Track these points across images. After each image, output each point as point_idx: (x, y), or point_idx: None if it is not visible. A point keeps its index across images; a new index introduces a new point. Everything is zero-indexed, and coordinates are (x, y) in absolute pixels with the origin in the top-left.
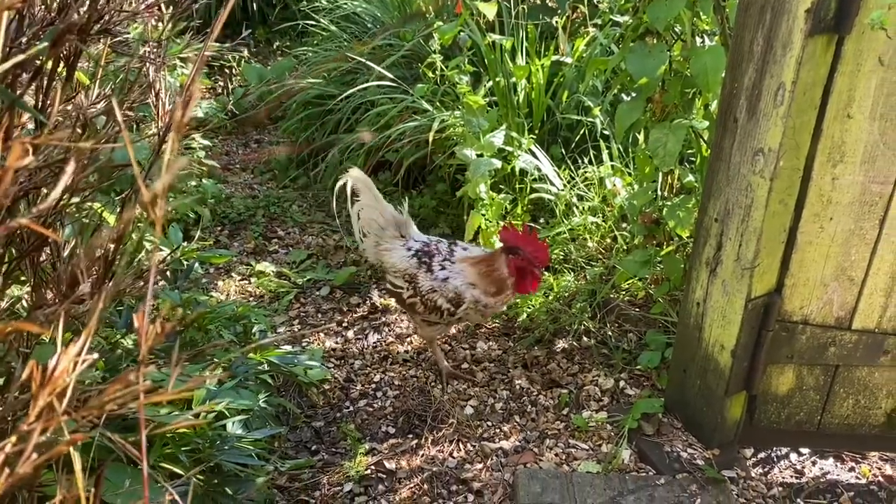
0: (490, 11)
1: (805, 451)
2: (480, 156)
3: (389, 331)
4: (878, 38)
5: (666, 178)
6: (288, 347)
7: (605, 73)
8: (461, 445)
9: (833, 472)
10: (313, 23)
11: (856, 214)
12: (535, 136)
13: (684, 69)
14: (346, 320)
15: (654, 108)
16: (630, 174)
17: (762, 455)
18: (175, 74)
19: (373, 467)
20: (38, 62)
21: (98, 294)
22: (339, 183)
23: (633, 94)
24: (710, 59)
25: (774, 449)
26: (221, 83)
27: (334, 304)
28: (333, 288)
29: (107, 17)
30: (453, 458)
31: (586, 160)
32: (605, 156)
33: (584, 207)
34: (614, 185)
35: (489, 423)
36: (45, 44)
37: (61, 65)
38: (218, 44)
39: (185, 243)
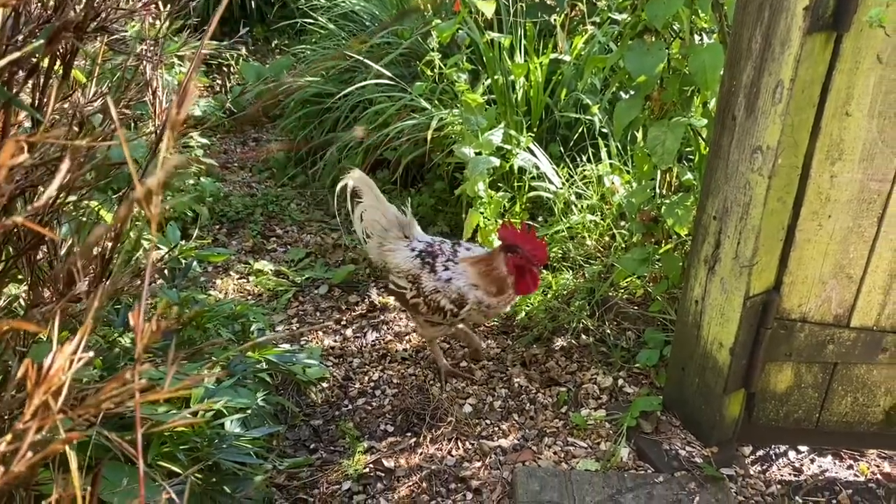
0: (488, 9)
1: (803, 448)
2: (479, 154)
3: (388, 329)
4: (876, 36)
5: (664, 176)
6: (286, 346)
7: (604, 70)
8: (460, 444)
9: (831, 470)
10: (311, 21)
11: (854, 212)
12: (533, 134)
13: (683, 67)
14: (344, 319)
15: (653, 106)
16: (628, 172)
17: (761, 453)
18: (173, 73)
19: (371, 466)
20: (35, 60)
21: (94, 292)
22: (340, 184)
23: (632, 92)
24: (708, 57)
25: (773, 447)
26: (219, 81)
27: (333, 303)
28: (332, 286)
29: (103, 15)
30: (452, 456)
31: (585, 158)
32: (603, 154)
33: (582, 205)
34: (613, 183)
35: (488, 422)
36: (41, 41)
37: (58, 63)
38: (216, 42)
39: (183, 242)
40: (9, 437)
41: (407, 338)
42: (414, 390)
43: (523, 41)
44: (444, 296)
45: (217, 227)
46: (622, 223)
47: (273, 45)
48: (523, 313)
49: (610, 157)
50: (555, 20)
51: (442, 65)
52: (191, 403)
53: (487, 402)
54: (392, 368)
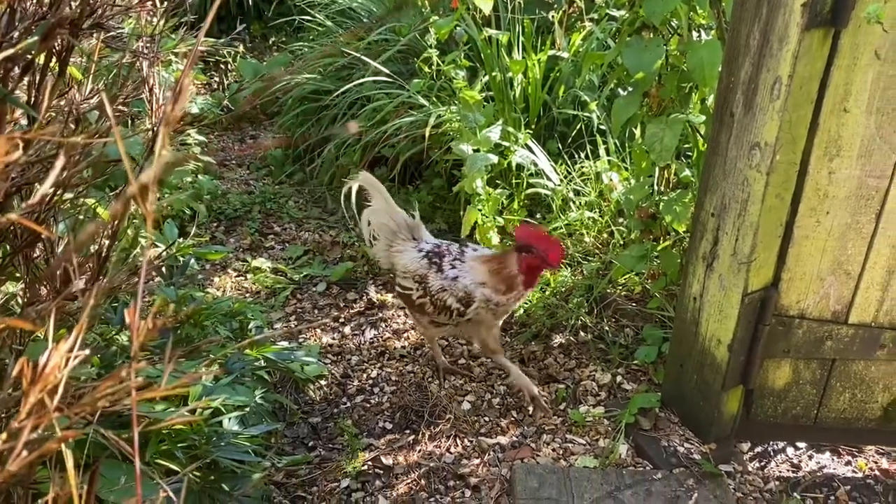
0: (486, 6)
1: (802, 445)
2: (477, 151)
3: (386, 326)
4: (874, 32)
5: (662, 173)
6: (285, 343)
7: (602, 67)
8: (458, 441)
9: (830, 467)
10: (309, 18)
11: (852, 209)
12: (531, 131)
13: (681, 64)
14: (342, 316)
15: (651, 103)
16: (627, 169)
17: (759, 449)
18: (170, 70)
19: (370, 463)
20: (30, 57)
21: (90, 290)
22: (347, 186)
23: (630, 89)
24: (706, 54)
25: (771, 443)
26: (217, 79)
27: (331, 300)
28: (330, 284)
29: (99, 12)
30: (450, 453)
31: (583, 155)
32: (601, 151)
33: (580, 202)
34: (611, 179)
35: (486, 419)
36: (36, 38)
37: (54, 60)
38: (213, 39)
39: (180, 239)
40: (4, 435)
41: (405, 335)
42: (412, 388)
43: (521, 38)
44: (451, 294)
45: (215, 224)
46: (620, 220)
47: (270, 42)
48: (521, 310)
49: (608, 154)
50: (553, 17)
51: (440, 62)
52: (189, 401)
53: (486, 400)
54: (390, 366)
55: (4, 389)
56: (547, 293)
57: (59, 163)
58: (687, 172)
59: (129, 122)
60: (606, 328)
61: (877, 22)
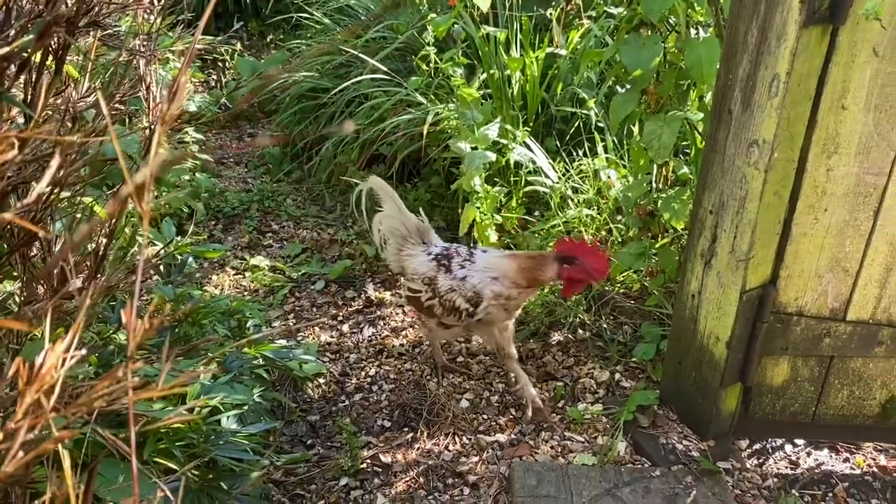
0: (484, 3)
1: (800, 442)
2: (475, 149)
3: (385, 324)
4: (872, 29)
5: (661, 171)
6: (283, 342)
7: (600, 65)
8: (457, 438)
9: (828, 463)
10: (307, 15)
11: (850, 206)
12: (529, 129)
13: (679, 61)
14: (341, 314)
15: (649, 100)
16: (625, 166)
17: (757, 446)
18: (167, 68)
19: (368, 461)
20: (26, 55)
21: (87, 289)
22: (357, 189)
23: (628, 86)
24: (704, 51)
25: (769, 440)
26: (215, 77)
27: (329, 298)
28: (328, 282)
29: (95, 10)
30: (449, 451)
31: (581, 152)
32: (599, 148)
33: (578, 200)
34: (609, 177)
35: (485, 416)
36: (32, 36)
37: (50, 58)
38: (211, 37)
39: (178, 238)
40: (0, 436)
41: (403, 333)
42: (411, 385)
43: (519, 35)
44: (460, 294)
45: (213, 222)
46: (618, 217)
47: (268, 39)
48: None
49: (606, 152)
50: (551, 14)
51: (438, 59)
52: (187, 400)
53: (484, 398)
54: (389, 364)
55: (1, 389)
56: (545, 290)
57: (56, 162)
58: (685, 170)
59: (127, 120)
60: (605, 326)
61: (875, 19)
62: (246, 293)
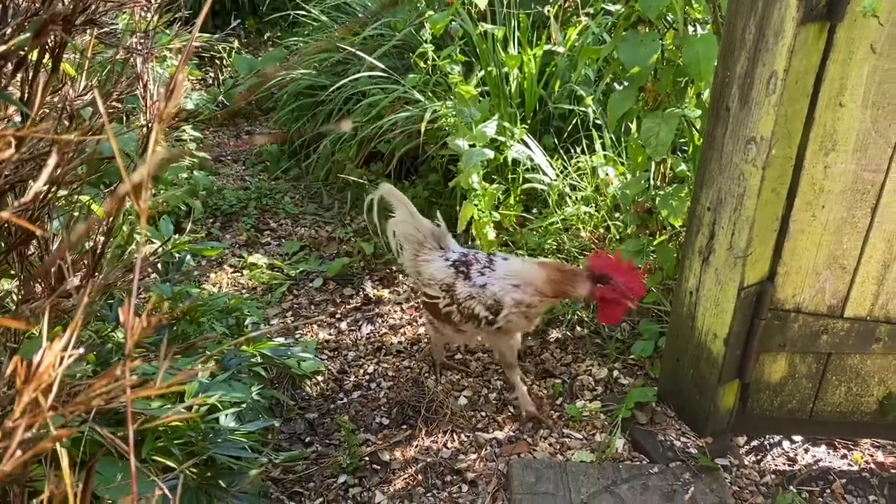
0: (482, 0)
1: (797, 438)
2: (473, 146)
3: (383, 322)
4: (869, 26)
5: (658, 168)
6: (281, 339)
7: (598, 62)
8: (455, 436)
9: (825, 460)
10: (304, 13)
11: (848, 203)
12: (527, 126)
13: (676, 58)
14: (339, 312)
15: (647, 98)
16: (622, 164)
17: (755, 443)
18: (165, 66)
19: (367, 458)
20: (23, 53)
21: (85, 287)
22: (369, 198)
23: (626, 84)
24: (702, 48)
25: (767, 437)
26: (212, 74)
27: (327, 296)
28: (326, 279)
29: (92, 7)
30: (447, 448)
31: (579, 150)
32: (597, 145)
33: (576, 197)
34: (607, 174)
35: (483, 414)
36: (29, 34)
37: (47, 56)
38: (208, 35)
39: (176, 236)
40: None
41: (402, 330)
42: (409, 383)
43: (517, 32)
44: (479, 302)
45: (211, 220)
46: (616, 215)
47: (265, 37)
48: None
49: (604, 149)
50: (548, 11)
51: (435, 57)
52: (185, 398)
53: (483, 395)
54: (387, 361)
55: None
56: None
57: (53, 160)
58: (683, 167)
59: (125, 118)
60: (603, 323)
61: (872, 16)
62: (244, 291)
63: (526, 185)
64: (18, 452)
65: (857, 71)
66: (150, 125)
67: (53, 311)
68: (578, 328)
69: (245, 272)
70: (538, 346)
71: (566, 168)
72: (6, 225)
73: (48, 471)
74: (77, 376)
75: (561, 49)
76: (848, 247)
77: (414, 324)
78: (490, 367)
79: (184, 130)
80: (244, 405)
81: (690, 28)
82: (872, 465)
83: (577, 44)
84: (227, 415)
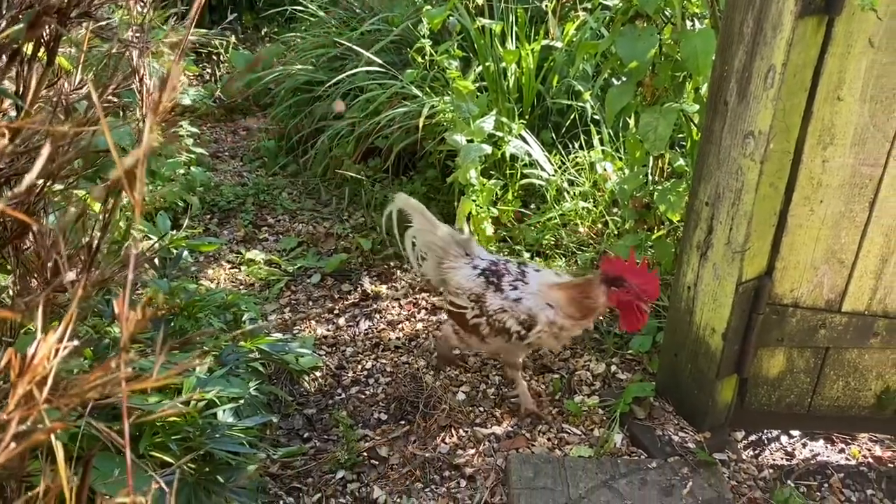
0: None
1: (795, 433)
2: (471, 141)
3: (381, 318)
4: (868, 20)
5: (657, 163)
6: (279, 335)
7: (595, 57)
8: (453, 431)
9: (823, 454)
10: (301, 8)
11: (846, 197)
12: (525, 122)
13: (674, 52)
14: (337, 307)
15: (645, 92)
16: (621, 159)
17: (753, 438)
18: (162, 61)
19: (365, 454)
20: (16, 46)
21: (79, 281)
22: (387, 211)
23: (624, 79)
24: (700, 42)
25: (765, 431)
26: (209, 70)
27: (325, 292)
28: (324, 275)
29: (87, 0)
30: (445, 443)
31: (577, 145)
32: (595, 141)
33: (574, 192)
34: (605, 169)
35: (481, 409)
36: (22, 26)
37: (42, 50)
38: (205, 30)
39: (173, 232)
40: None
41: (400, 326)
42: (407, 378)
43: (515, 27)
44: (512, 316)
45: (208, 216)
46: (615, 210)
47: (262, 32)
48: None
49: (602, 144)
50: (546, 6)
51: (433, 52)
52: (182, 394)
53: (481, 390)
54: (385, 357)
55: None
56: None
57: (46, 150)
58: (681, 162)
59: (121, 112)
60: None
61: (871, 9)
62: (242, 287)
63: (524, 181)
64: (13, 445)
65: (856, 65)
66: (145, 118)
67: (50, 307)
68: None
69: (243, 268)
70: None
71: (564, 163)
72: (1, 218)
73: (44, 465)
74: (75, 371)
75: (559, 44)
76: (846, 241)
77: (412, 319)
78: (488, 362)
79: (181, 126)
80: (242, 401)
81: (688, 22)
82: (870, 460)
83: (575, 39)
84: (224, 410)
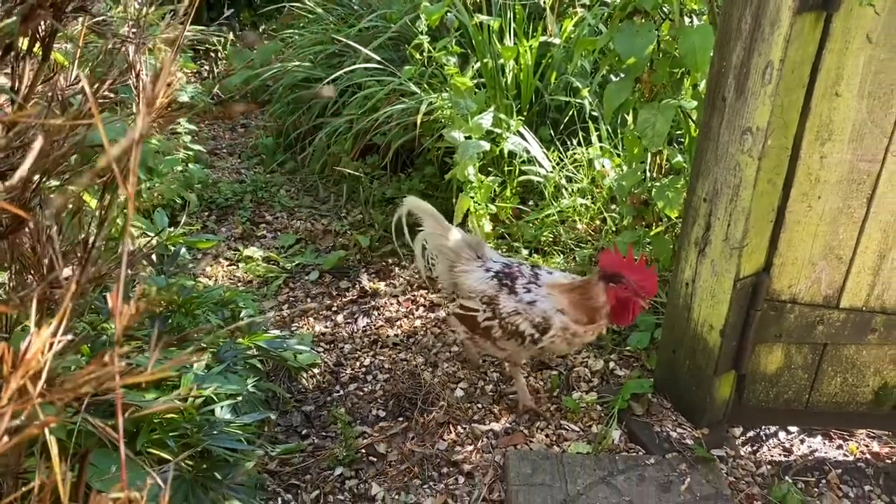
0: None
1: (793, 429)
2: (469, 138)
3: (379, 315)
4: (865, 15)
5: (655, 159)
6: (277, 332)
7: (594, 53)
8: (452, 428)
9: (821, 450)
10: (299, 5)
11: (844, 193)
12: (523, 118)
13: (672, 49)
14: (335, 304)
15: (643, 89)
16: (619, 155)
17: (751, 434)
18: (158, 57)
19: (363, 450)
20: (10, 41)
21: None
22: (396, 215)
23: (622, 75)
24: (698, 38)
25: (763, 428)
26: (207, 67)
27: (323, 289)
28: (322, 272)
29: None
30: (444, 440)
31: (575, 142)
32: (593, 137)
33: (573, 189)
34: (603, 166)
35: (479, 406)
36: (16, 19)
37: (37, 45)
38: (203, 27)
39: (171, 229)
40: None
41: (398, 323)
42: (405, 375)
43: (513, 24)
44: (526, 319)
45: (206, 213)
46: (613, 206)
47: (261, 30)
48: None
49: (600, 141)
50: (544, 2)
51: (431, 48)
52: (180, 390)
53: (479, 387)
54: (383, 354)
55: None
56: None
57: (39, 143)
58: (679, 158)
59: (119, 108)
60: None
61: (869, 5)
62: (240, 284)
63: (522, 178)
64: (6, 439)
65: (854, 60)
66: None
67: (46, 302)
68: None
69: (241, 265)
70: None
71: (562, 160)
72: None
73: (39, 462)
74: (72, 368)
75: (557, 40)
76: (844, 237)
77: (410, 316)
78: (486, 359)
79: (179, 123)
80: (240, 397)
81: (686, 19)
82: (868, 456)
83: (573, 35)
84: (222, 407)
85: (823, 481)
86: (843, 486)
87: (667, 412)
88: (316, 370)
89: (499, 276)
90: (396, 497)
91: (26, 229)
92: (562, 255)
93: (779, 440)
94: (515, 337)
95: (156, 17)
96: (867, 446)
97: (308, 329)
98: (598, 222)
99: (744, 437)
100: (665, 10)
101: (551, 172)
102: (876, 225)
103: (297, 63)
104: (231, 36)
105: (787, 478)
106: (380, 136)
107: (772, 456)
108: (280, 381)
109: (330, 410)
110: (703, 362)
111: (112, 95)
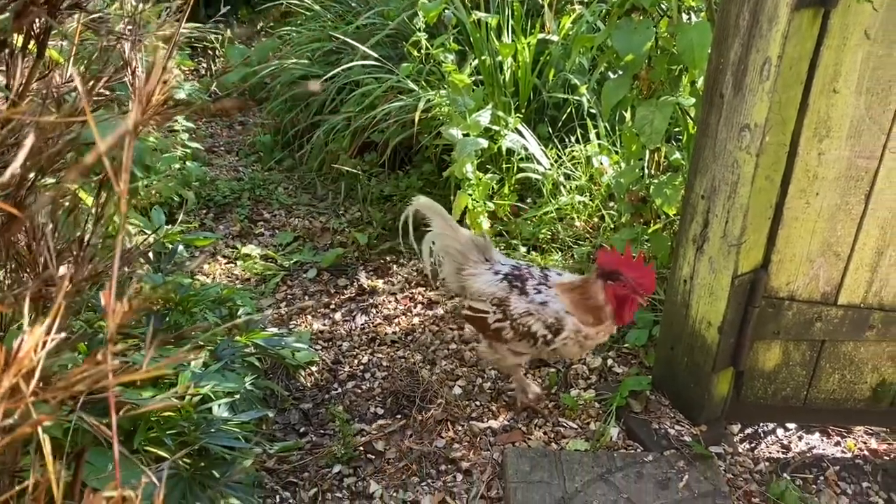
0: None
1: (791, 426)
2: (467, 135)
3: (377, 312)
4: (863, 11)
5: (653, 156)
6: (275, 330)
7: (592, 50)
8: (450, 425)
9: (819, 447)
10: (297, 2)
11: (842, 189)
12: (521, 115)
13: (670, 46)
14: (333, 302)
15: (641, 86)
16: (617, 152)
17: (749, 431)
18: (156, 56)
19: (361, 448)
20: (4, 37)
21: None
22: (405, 214)
23: (620, 72)
24: (696, 35)
25: (761, 425)
26: (205, 65)
27: (321, 287)
28: (320, 270)
29: None
30: (442, 437)
31: (573, 139)
32: (591, 134)
33: (571, 186)
34: (601, 163)
35: (478, 403)
36: (9, 15)
37: (32, 42)
38: (200, 24)
39: (168, 226)
40: None
41: (396, 321)
42: (404, 373)
43: (511, 21)
44: (539, 319)
45: (204, 211)
46: (611, 204)
47: (258, 27)
48: None
49: (598, 138)
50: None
51: (429, 45)
52: (177, 388)
53: (477, 384)
54: (381, 351)
55: None
56: None
57: (30, 139)
58: (677, 155)
59: (115, 105)
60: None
61: (866, 1)
62: (237, 282)
63: (520, 175)
64: None
65: (852, 57)
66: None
67: (41, 300)
68: None
69: (239, 263)
70: None
71: (560, 157)
72: None
73: (34, 460)
74: (69, 366)
75: (555, 38)
76: (842, 234)
77: (408, 314)
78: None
79: (176, 121)
80: (237, 395)
81: (684, 15)
82: (866, 452)
83: (571, 32)
84: (220, 405)
85: (821, 478)
86: (841, 483)
87: (665, 409)
88: (314, 368)
89: (508, 278)
90: (394, 495)
91: (22, 227)
92: (560, 253)
93: (777, 437)
94: (528, 338)
95: (152, 14)
96: (865, 443)
97: (306, 327)
98: (596, 219)
99: (742, 434)
100: (663, 6)
101: (549, 170)
102: (874, 222)
103: (295, 60)
104: (228, 33)
105: (785, 475)
106: (378, 133)
107: (770, 453)
108: (278, 379)
109: (328, 408)
110: (701, 359)
111: (108, 93)
